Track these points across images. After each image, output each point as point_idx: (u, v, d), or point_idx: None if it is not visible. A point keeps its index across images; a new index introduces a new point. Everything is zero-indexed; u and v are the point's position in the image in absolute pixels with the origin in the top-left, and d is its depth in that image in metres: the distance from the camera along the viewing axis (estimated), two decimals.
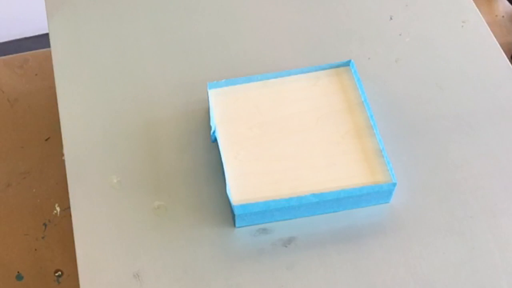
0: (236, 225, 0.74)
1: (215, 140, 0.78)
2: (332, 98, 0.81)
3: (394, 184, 0.74)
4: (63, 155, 0.81)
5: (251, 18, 0.94)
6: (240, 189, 0.74)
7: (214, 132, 0.77)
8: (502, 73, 0.88)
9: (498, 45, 0.91)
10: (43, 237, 1.05)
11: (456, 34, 0.92)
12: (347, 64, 0.84)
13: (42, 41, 1.54)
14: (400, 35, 0.92)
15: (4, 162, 1.14)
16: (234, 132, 0.78)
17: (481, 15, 0.94)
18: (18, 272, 1.02)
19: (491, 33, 0.92)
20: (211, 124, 0.78)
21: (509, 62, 0.89)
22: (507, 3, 1.56)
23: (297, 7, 0.95)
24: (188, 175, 0.79)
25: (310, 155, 0.77)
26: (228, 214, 0.75)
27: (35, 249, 1.04)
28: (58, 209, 1.07)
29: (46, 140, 1.16)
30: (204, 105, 0.84)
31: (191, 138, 0.82)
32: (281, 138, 0.78)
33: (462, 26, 0.93)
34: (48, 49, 0.98)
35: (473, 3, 0.96)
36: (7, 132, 1.18)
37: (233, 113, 0.80)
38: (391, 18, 0.94)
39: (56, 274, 1.02)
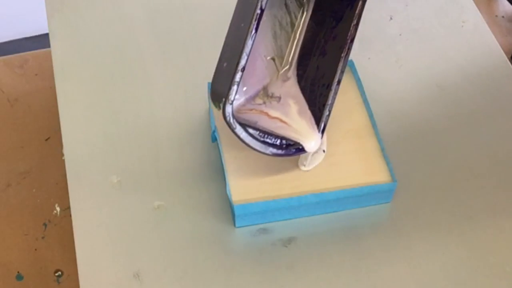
0: (236, 225, 0.74)
1: (215, 140, 0.78)
2: None
3: (394, 184, 0.74)
4: (63, 155, 0.81)
5: None
6: (240, 189, 0.74)
7: (214, 132, 0.77)
8: (502, 73, 0.88)
9: (498, 45, 0.91)
10: (43, 237, 1.05)
11: (456, 34, 0.92)
12: None
13: (42, 41, 1.54)
14: (400, 35, 0.92)
15: (4, 162, 1.14)
16: None
17: (481, 15, 0.94)
18: (18, 272, 1.02)
19: (491, 33, 0.92)
20: (211, 124, 0.78)
21: (509, 62, 0.89)
22: (507, 3, 1.56)
23: None
24: (188, 175, 0.79)
25: None
26: (228, 214, 0.75)
27: (35, 249, 1.04)
28: (58, 209, 1.07)
29: (46, 140, 1.16)
30: (204, 105, 0.84)
31: (191, 138, 0.82)
32: None
33: (462, 26, 0.93)
34: (48, 49, 0.98)
35: (473, 3, 0.96)
36: (7, 132, 1.17)
37: None
38: (391, 18, 0.94)
39: (56, 274, 1.02)
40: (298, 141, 0.73)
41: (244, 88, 0.73)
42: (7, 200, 1.09)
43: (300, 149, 0.73)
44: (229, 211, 0.75)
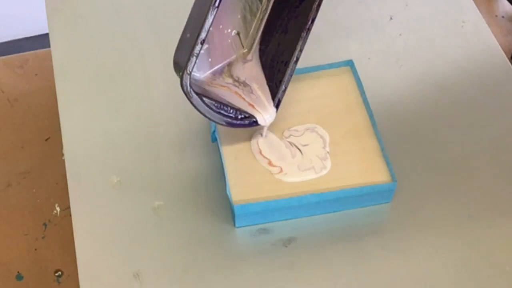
0: (236, 225, 0.74)
1: (215, 140, 0.78)
2: (332, 98, 0.81)
3: (394, 184, 0.74)
4: (63, 155, 0.81)
5: None
6: (240, 189, 0.74)
7: (214, 132, 0.77)
8: (502, 73, 0.88)
9: (498, 45, 0.91)
10: (43, 237, 1.05)
11: (456, 34, 0.92)
12: (347, 64, 0.84)
13: (42, 41, 1.54)
14: (400, 35, 0.92)
15: (4, 162, 1.14)
16: (234, 132, 0.78)
17: (481, 15, 0.94)
18: (18, 272, 1.02)
19: (491, 33, 0.92)
20: (211, 124, 0.78)
21: (509, 62, 0.89)
22: (507, 3, 1.56)
23: None
24: (188, 175, 0.79)
25: None
26: (228, 214, 0.75)
27: (35, 249, 1.04)
28: (58, 209, 1.07)
29: (46, 140, 1.16)
30: None
31: (191, 138, 0.82)
32: (281, 138, 0.78)
33: (462, 26, 0.93)
34: (48, 49, 0.98)
35: (473, 3, 0.96)
36: (7, 132, 1.18)
37: None
38: (391, 18, 0.94)
39: (56, 274, 1.02)
40: (254, 114, 0.75)
41: (210, 60, 0.75)
42: (7, 200, 1.10)
43: (254, 122, 0.75)
44: (229, 211, 0.75)
